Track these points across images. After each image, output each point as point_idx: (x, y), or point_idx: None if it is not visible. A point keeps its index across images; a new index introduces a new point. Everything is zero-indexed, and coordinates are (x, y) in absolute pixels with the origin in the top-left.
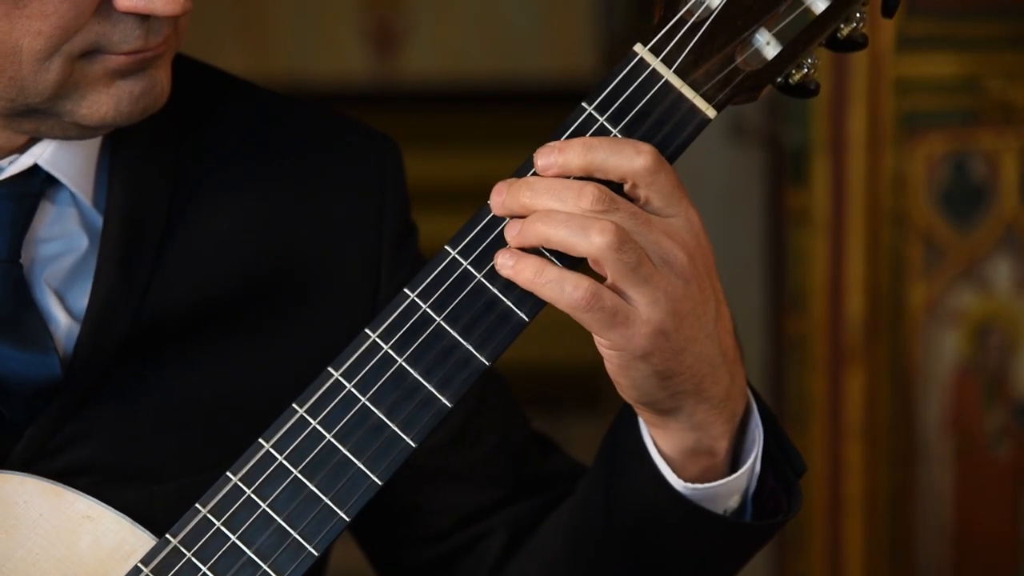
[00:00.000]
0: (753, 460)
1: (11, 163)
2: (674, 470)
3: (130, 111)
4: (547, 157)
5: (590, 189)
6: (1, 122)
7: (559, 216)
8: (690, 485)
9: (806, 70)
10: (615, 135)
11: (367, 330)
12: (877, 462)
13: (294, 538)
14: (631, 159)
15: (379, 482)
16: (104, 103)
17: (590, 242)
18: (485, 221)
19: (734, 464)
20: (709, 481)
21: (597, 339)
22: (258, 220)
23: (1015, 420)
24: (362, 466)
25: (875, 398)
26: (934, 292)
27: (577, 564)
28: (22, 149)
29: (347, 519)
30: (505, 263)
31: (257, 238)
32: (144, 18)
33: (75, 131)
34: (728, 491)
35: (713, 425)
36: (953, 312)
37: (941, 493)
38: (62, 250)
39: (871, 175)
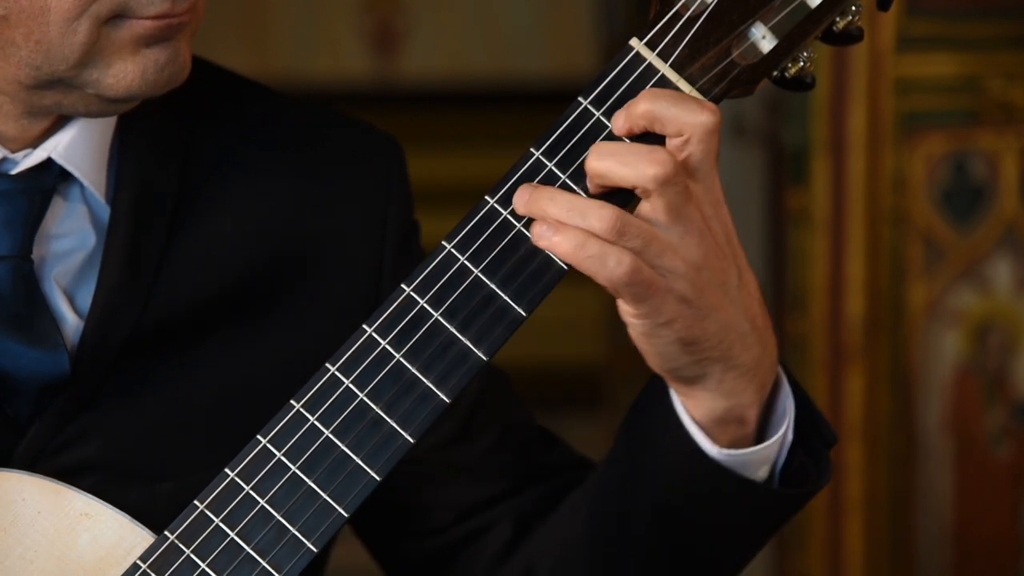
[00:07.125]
0: (785, 429)
1: (25, 157)
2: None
3: (155, 79)
4: (617, 120)
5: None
6: (23, 95)
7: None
8: (724, 451)
9: (802, 63)
10: (611, 131)
11: (364, 326)
12: (877, 462)
13: (293, 534)
14: (694, 114)
15: (378, 478)
16: (130, 71)
17: (587, 223)
18: (481, 215)
19: (760, 436)
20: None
21: (622, 308)
22: (263, 219)
23: (1015, 420)
24: (361, 462)
25: (875, 398)
26: (934, 292)
27: (596, 548)
28: (35, 143)
29: (346, 515)
30: (543, 233)
31: (262, 237)
32: None
33: (98, 105)
34: (758, 460)
35: (743, 392)
36: (953, 312)
37: (941, 493)
38: (72, 247)
39: (871, 175)
